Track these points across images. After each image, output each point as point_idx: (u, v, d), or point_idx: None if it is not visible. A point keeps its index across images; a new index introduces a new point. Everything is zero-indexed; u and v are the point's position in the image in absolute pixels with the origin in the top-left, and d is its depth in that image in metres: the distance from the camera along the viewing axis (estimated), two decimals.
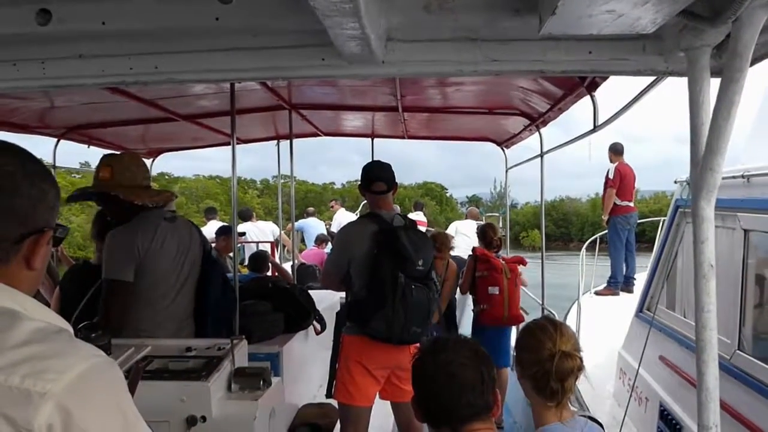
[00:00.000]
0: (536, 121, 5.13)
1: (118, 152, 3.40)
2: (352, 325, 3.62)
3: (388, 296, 3.43)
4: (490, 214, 15.17)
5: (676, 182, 4.43)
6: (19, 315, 1.03)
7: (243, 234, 8.26)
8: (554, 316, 5.92)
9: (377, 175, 3.79)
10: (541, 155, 5.59)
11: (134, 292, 3.19)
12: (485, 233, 5.82)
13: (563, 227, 45.46)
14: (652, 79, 2.64)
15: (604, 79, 3.39)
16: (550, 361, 1.92)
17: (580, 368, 1.94)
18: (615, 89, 3.92)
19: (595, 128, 3.73)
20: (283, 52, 2.19)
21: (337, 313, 3.76)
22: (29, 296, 1.11)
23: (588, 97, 3.87)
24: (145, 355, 2.81)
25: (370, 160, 3.91)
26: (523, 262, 5.87)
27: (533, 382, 1.97)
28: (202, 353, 2.87)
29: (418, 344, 3.75)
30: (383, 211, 3.74)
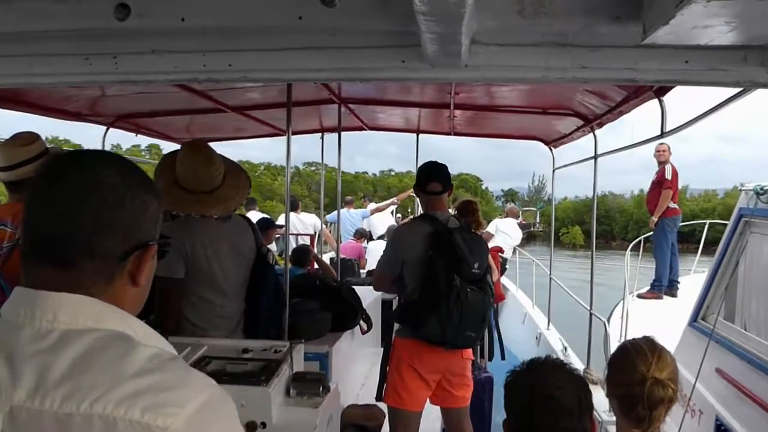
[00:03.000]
0: (592, 122, 4.98)
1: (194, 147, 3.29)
2: (405, 328, 3.56)
3: (442, 299, 3.35)
4: (526, 208, 15.06)
5: (741, 190, 4.27)
6: (132, 340, 0.98)
7: (281, 226, 8.21)
8: (604, 323, 5.80)
9: (432, 176, 3.71)
10: (595, 157, 5.45)
11: (186, 290, 3.16)
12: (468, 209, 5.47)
13: (605, 224, 44.65)
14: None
15: None
16: (641, 387, 1.84)
17: (672, 399, 1.85)
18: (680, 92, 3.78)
19: (663, 134, 3.59)
20: (361, 52, 2.12)
21: (388, 315, 3.70)
22: (136, 317, 1.06)
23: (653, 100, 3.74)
24: (202, 356, 2.78)
25: (427, 161, 3.81)
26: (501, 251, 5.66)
27: (620, 403, 1.90)
28: (259, 355, 2.83)
29: (470, 348, 3.70)
30: (438, 213, 3.67)
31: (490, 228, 9.52)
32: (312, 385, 2.66)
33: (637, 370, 1.87)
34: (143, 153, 37.59)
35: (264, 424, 2.43)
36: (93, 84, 2.73)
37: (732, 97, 2.63)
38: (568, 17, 1.88)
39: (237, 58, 2.16)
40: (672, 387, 1.85)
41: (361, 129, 6.92)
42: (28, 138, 2.85)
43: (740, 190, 4.30)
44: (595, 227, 6.07)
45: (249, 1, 1.92)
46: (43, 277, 0.99)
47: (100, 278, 1.01)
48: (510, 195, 67.86)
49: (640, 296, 8.24)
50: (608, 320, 6.52)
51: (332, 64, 2.15)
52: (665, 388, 1.84)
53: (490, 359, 3.99)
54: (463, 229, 3.60)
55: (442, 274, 3.38)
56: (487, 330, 3.82)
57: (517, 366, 1.86)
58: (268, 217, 8.49)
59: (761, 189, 3.78)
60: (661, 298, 8.20)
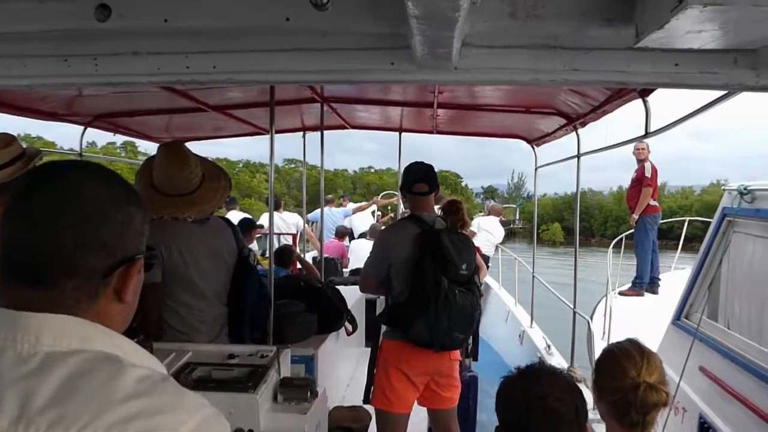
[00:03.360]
0: (575, 121, 4.99)
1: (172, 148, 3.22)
2: (392, 330, 3.53)
3: (430, 301, 3.33)
4: (506, 206, 15.08)
5: (724, 189, 4.30)
6: (121, 362, 0.93)
7: (261, 226, 8.13)
8: (588, 322, 5.82)
9: (419, 177, 3.68)
10: (578, 156, 5.46)
11: (165, 294, 3.10)
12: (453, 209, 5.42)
13: (585, 221, 44.90)
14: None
15: None
16: (634, 392, 1.83)
17: (666, 403, 1.84)
18: (663, 92, 3.79)
19: (647, 134, 3.59)
20: (350, 54, 2.08)
21: (376, 317, 3.67)
22: (123, 336, 1.00)
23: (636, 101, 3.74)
24: (187, 362, 2.73)
25: (413, 161, 3.78)
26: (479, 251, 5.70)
27: (612, 409, 1.88)
28: (245, 361, 2.79)
29: (458, 350, 3.68)
30: (424, 213, 3.64)
31: (473, 226, 9.52)
32: (300, 390, 2.62)
33: (628, 375, 1.85)
34: (118, 150, 37.15)
35: None
36: (72, 86, 2.66)
37: (718, 98, 2.63)
38: (559, 20, 1.85)
39: (222, 59, 2.11)
40: (665, 391, 1.85)
41: (343, 128, 6.88)
42: (3, 140, 2.75)
43: (723, 190, 4.33)
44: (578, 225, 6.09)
45: (234, 2, 1.86)
46: (24, 296, 0.94)
47: (84, 296, 0.96)
48: (490, 192, 68.11)
49: (621, 293, 8.30)
50: (591, 317, 6.55)
51: (320, 66, 2.10)
52: (658, 392, 1.83)
53: (475, 359, 3.97)
54: (450, 230, 3.58)
55: (430, 276, 3.36)
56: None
57: (511, 372, 1.83)
58: (250, 217, 8.39)
59: (745, 189, 3.80)
60: (642, 295, 8.27)
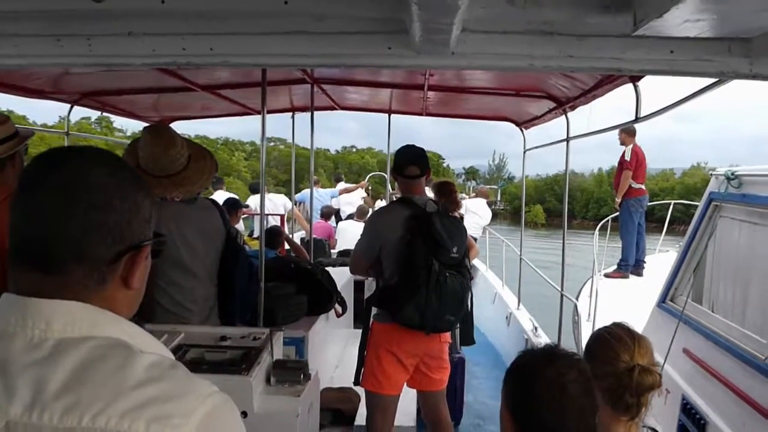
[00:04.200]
0: (564, 105, 5.01)
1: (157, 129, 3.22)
2: (383, 313, 3.54)
3: (422, 284, 3.33)
4: (488, 186, 15.11)
5: (711, 174, 4.34)
6: (131, 348, 0.94)
7: (247, 206, 8.09)
8: (575, 304, 5.88)
9: (410, 160, 3.68)
10: (567, 140, 5.48)
11: (154, 274, 3.10)
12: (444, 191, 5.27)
13: (567, 203, 45.12)
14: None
15: None
16: (628, 375, 1.83)
17: (659, 384, 1.86)
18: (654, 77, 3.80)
19: (638, 119, 3.61)
20: (347, 38, 2.08)
21: (366, 300, 3.68)
22: (131, 322, 1.01)
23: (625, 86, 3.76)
24: (179, 344, 2.74)
25: (405, 144, 3.78)
26: None
27: (606, 394, 1.87)
28: (238, 343, 2.81)
29: (448, 332, 3.71)
30: (415, 196, 3.64)
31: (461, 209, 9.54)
32: (293, 373, 2.64)
33: (621, 359, 1.85)
34: (93, 126, 36.50)
35: (245, 414, 2.41)
36: (65, 66, 2.63)
37: (710, 85, 2.65)
38: (557, 6, 1.86)
39: (218, 42, 2.10)
40: (658, 372, 1.86)
41: (332, 108, 6.85)
42: None
43: (709, 174, 4.37)
44: (556, 206, 6.14)
45: None
46: (32, 283, 0.95)
47: (92, 282, 0.97)
48: (471, 173, 68.07)
49: (606, 276, 8.38)
50: (576, 299, 6.62)
51: (316, 50, 2.10)
52: (652, 374, 1.84)
53: (469, 344, 3.99)
54: (441, 213, 3.59)
55: (420, 259, 3.36)
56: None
57: (522, 352, 1.76)
58: (235, 197, 8.35)
59: (732, 174, 3.85)
60: (627, 277, 8.35)
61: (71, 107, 5.29)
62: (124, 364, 0.90)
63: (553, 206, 42.67)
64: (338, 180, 13.32)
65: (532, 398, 1.61)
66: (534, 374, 1.63)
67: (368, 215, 9.41)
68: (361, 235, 3.76)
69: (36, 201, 0.96)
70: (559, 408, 1.56)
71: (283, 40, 2.08)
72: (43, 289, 0.94)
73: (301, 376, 2.64)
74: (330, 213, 10.17)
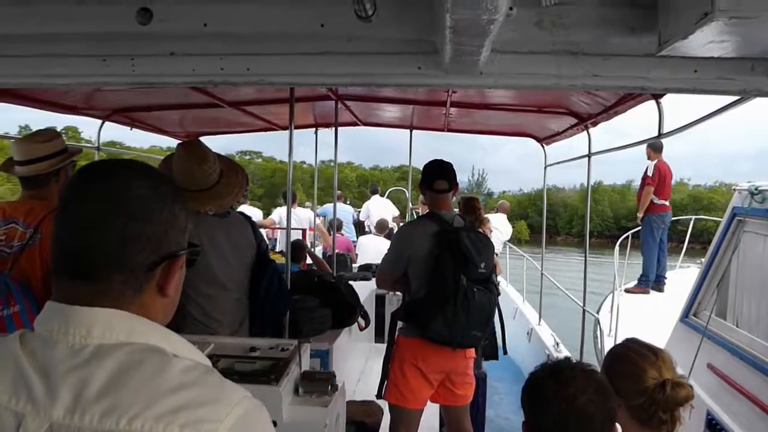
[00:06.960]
0: (586, 121, 5.05)
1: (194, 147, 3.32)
2: (410, 327, 3.56)
3: (449, 298, 3.35)
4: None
5: (734, 189, 4.36)
6: (167, 354, 0.98)
7: (273, 222, 8.17)
8: (597, 319, 5.88)
9: (439, 174, 3.71)
10: (589, 156, 5.51)
11: (187, 286, 3.16)
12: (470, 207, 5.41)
13: (549, 219, 43.86)
14: None
15: None
16: (660, 391, 1.81)
17: (692, 396, 1.84)
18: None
19: (660, 135, 3.65)
20: (378, 58, 2.15)
21: (392, 313, 3.72)
22: (167, 329, 1.05)
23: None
24: (210, 354, 2.80)
25: (433, 159, 3.81)
26: None
27: (637, 412, 1.85)
28: (267, 354, 2.85)
29: (474, 348, 3.72)
30: (443, 211, 3.67)
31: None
32: (321, 384, 2.68)
33: (648, 375, 1.83)
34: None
35: (274, 423, 2.45)
36: (109, 86, 2.73)
37: (733, 102, 2.69)
38: (583, 27, 1.92)
39: (255, 62, 2.19)
40: (689, 385, 1.84)
41: (355, 125, 6.95)
42: (47, 135, 2.88)
43: (734, 190, 4.39)
44: (538, 222, 6.17)
45: (273, 8, 1.93)
46: (73, 290, 0.99)
47: (129, 290, 1.01)
48: None
49: (627, 291, 8.35)
50: (598, 312, 6.62)
51: (348, 69, 2.18)
52: (684, 387, 1.82)
53: (495, 358, 4.00)
54: (469, 228, 3.62)
55: (449, 274, 3.38)
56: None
57: (540, 366, 1.76)
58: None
59: (756, 189, 3.87)
60: (648, 292, 8.32)
61: (102, 123, 5.42)
62: (160, 370, 0.94)
63: (535, 221, 40.44)
64: (374, 192, 12.78)
65: (540, 411, 1.65)
66: (540, 388, 1.66)
67: (388, 229, 9.45)
68: (389, 248, 3.80)
69: (80, 211, 1.01)
70: (564, 419, 1.58)
71: (316, 60, 2.16)
72: (83, 296, 0.98)
73: (329, 387, 2.68)
74: (339, 225, 10.17)
